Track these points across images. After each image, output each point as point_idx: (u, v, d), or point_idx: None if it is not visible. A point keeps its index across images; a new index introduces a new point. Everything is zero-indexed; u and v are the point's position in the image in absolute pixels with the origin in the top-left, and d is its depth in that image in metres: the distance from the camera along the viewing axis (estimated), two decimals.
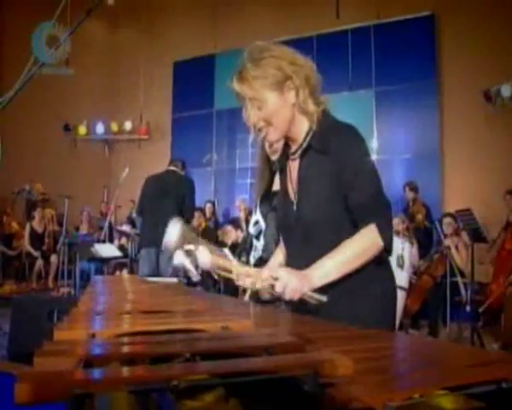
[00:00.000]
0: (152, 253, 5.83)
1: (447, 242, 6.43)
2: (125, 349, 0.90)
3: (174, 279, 3.13)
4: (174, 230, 2.20)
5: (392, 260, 3.60)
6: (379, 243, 1.61)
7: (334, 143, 1.68)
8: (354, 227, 1.65)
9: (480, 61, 8.86)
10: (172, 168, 6.18)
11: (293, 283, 1.56)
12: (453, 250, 6.35)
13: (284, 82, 1.66)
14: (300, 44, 9.88)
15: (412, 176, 9.10)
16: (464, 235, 6.25)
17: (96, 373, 0.73)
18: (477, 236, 5.43)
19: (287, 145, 1.84)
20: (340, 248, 1.62)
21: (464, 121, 9.14)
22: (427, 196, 8.72)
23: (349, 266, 1.61)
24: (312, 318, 1.51)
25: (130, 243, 8.06)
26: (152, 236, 5.70)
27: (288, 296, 1.57)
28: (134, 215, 8.41)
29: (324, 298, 1.58)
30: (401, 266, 3.52)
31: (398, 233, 3.78)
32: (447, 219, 6.75)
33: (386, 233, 1.62)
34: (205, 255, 2.00)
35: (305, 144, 1.74)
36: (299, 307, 1.64)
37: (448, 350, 1.00)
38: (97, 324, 1.19)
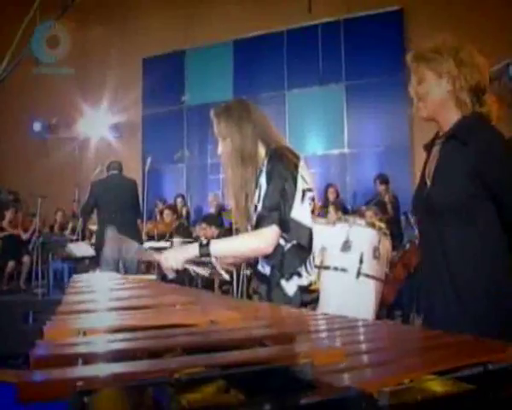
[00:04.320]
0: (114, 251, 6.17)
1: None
2: (120, 345, 0.91)
3: (152, 276, 3.14)
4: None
5: (369, 252, 3.67)
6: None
7: (477, 134, 1.77)
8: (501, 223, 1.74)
9: None
10: (114, 172, 6.81)
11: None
12: None
13: (445, 70, 1.84)
14: (271, 40, 9.91)
15: (383, 169, 9.23)
16: None
17: (97, 369, 0.73)
18: None
19: (438, 131, 1.97)
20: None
21: None
22: (397, 187, 8.86)
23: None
24: (295, 308, 1.53)
25: None
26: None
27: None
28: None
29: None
30: (377, 257, 3.57)
31: (373, 225, 3.83)
32: None
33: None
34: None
35: (450, 132, 1.85)
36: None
37: (433, 336, 1.03)
38: (86, 321, 1.20)
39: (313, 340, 0.97)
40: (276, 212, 2.09)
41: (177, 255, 2.21)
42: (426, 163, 1.98)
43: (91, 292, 1.74)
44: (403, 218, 8.30)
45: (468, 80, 1.82)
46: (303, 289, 2.17)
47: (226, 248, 2.26)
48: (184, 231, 8.91)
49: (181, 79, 11.99)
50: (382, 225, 3.93)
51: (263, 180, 2.23)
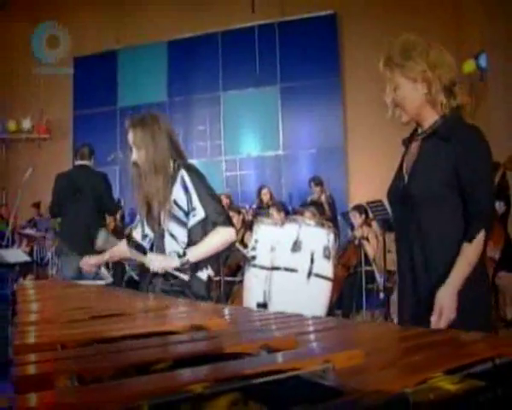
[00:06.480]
0: (72, 260, 5.37)
1: (358, 233, 6.63)
2: (108, 359, 0.84)
3: (101, 282, 3.03)
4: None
5: (320, 251, 3.68)
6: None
7: (457, 132, 1.87)
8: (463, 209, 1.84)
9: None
10: (81, 163, 5.80)
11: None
12: (364, 240, 6.55)
13: (420, 75, 1.89)
14: (206, 41, 9.77)
15: (317, 170, 9.32)
16: (375, 225, 6.46)
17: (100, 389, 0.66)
18: (389, 225, 5.60)
19: (416, 128, 2.05)
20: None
21: (367, 117, 9.44)
22: (332, 189, 8.95)
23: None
24: (268, 311, 1.49)
25: (36, 247, 7.67)
26: (71, 242, 5.56)
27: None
28: (47, 216, 7.98)
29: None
30: (327, 257, 3.58)
31: (322, 225, 3.84)
32: (356, 211, 6.96)
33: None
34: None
35: (430, 130, 1.94)
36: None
37: (432, 335, 1.01)
38: (59, 332, 1.10)
39: (327, 344, 0.93)
40: (223, 215, 2.54)
41: (161, 263, 2.50)
42: (403, 157, 2.08)
43: (44, 301, 1.62)
44: (340, 218, 8.41)
45: (442, 80, 1.89)
46: (210, 278, 2.64)
47: (202, 253, 2.54)
48: (120, 234, 8.68)
49: (113, 79, 11.68)
50: (330, 224, 3.94)
51: (179, 189, 2.54)
